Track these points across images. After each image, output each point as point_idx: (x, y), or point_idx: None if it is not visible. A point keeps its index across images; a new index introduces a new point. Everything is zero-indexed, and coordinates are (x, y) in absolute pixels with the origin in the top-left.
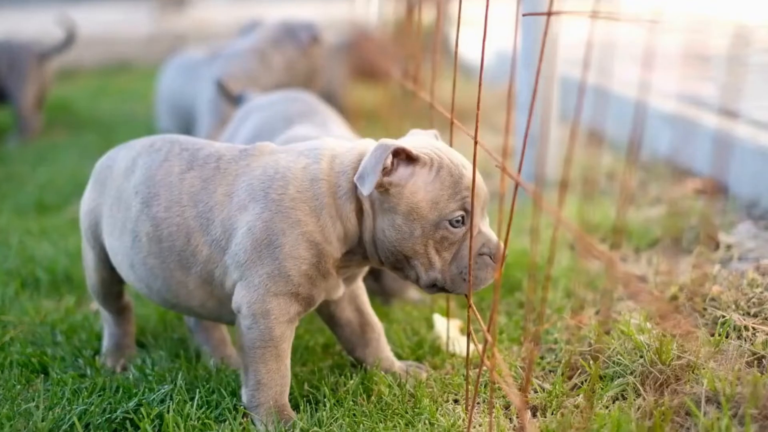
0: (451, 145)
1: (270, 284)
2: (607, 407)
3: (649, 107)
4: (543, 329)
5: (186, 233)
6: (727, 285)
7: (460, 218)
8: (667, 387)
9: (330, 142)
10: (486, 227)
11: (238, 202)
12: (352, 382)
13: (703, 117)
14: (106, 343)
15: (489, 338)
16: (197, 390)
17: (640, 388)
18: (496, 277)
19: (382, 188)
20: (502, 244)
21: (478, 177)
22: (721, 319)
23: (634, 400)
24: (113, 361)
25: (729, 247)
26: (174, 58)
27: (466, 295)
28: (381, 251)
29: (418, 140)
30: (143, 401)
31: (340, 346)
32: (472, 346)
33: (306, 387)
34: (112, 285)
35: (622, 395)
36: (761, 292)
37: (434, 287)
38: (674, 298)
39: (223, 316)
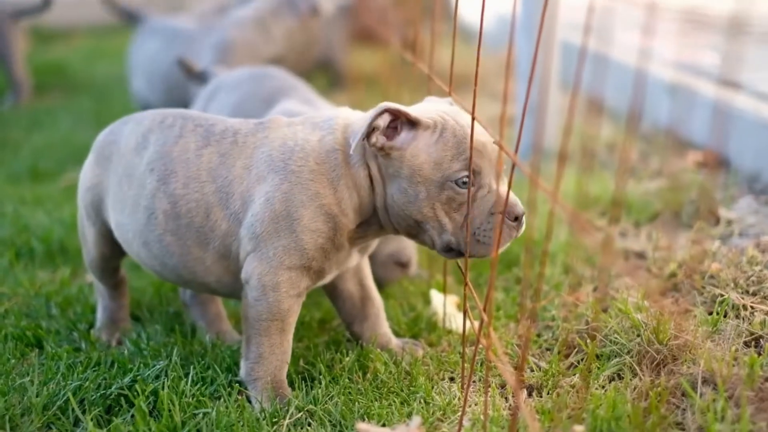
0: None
1: (284, 257)
2: (603, 387)
3: (650, 76)
4: (540, 306)
5: (205, 209)
6: (727, 262)
7: (466, 178)
8: (663, 367)
9: (345, 112)
10: (500, 185)
11: (257, 173)
12: (348, 359)
13: (703, 87)
14: (100, 316)
15: (485, 317)
16: (192, 366)
17: (637, 368)
18: (513, 236)
19: (384, 152)
20: (518, 201)
21: (485, 135)
22: (720, 298)
23: (631, 379)
24: (108, 335)
25: (729, 222)
26: (150, 24)
27: (462, 272)
28: (393, 217)
29: (428, 106)
30: (138, 377)
31: (339, 319)
32: (468, 323)
33: (302, 363)
34: (111, 260)
35: (619, 375)
36: (761, 270)
37: (451, 251)
38: (673, 275)
39: (238, 291)
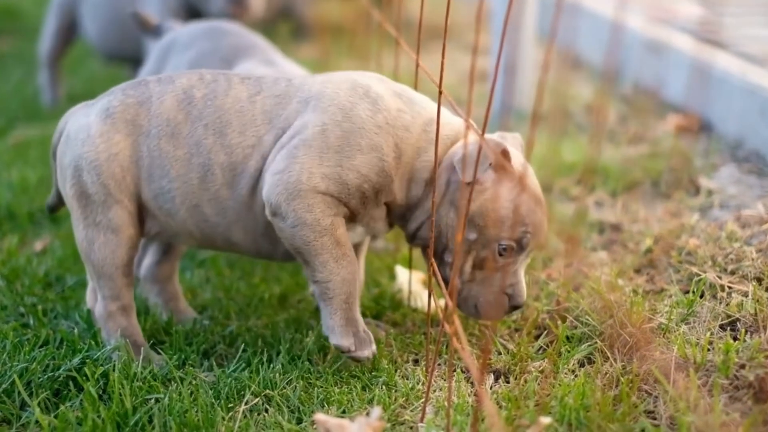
0: (416, 82)
1: (320, 182)
2: (573, 371)
3: (629, 31)
4: None
5: (261, 152)
6: (705, 237)
7: (508, 249)
8: (636, 351)
9: (427, 103)
10: (521, 270)
11: (316, 105)
12: (308, 339)
13: (682, 44)
14: (120, 342)
15: (450, 303)
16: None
17: (608, 352)
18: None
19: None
20: (524, 293)
21: (546, 221)
22: (696, 278)
23: (602, 364)
24: (145, 361)
25: (710, 192)
26: None
27: (426, 251)
28: (425, 228)
29: (509, 149)
30: (88, 359)
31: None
32: (433, 304)
33: (260, 343)
34: (136, 247)
35: (589, 359)
36: (740, 247)
37: (447, 285)
38: (648, 251)
39: (276, 251)
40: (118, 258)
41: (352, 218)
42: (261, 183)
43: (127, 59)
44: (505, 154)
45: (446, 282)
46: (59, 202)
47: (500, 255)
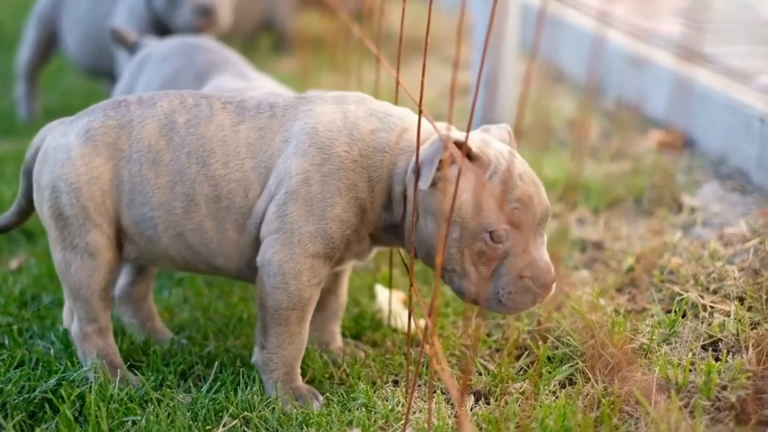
0: (396, 98)
1: (309, 244)
2: (554, 393)
3: (613, 46)
4: None
5: (245, 187)
6: (687, 256)
7: (503, 233)
8: (618, 372)
9: (405, 113)
10: (537, 247)
11: (298, 146)
12: None
13: (664, 59)
14: (98, 363)
15: (429, 324)
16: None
17: (590, 373)
18: (540, 301)
19: (432, 183)
20: (551, 268)
21: (536, 185)
22: (678, 297)
23: (583, 386)
24: (122, 382)
25: (692, 210)
26: None
27: (407, 268)
28: (418, 243)
29: (484, 137)
30: (64, 380)
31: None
32: (413, 324)
33: (238, 364)
34: (114, 271)
35: (571, 380)
36: (722, 266)
37: (464, 296)
38: (630, 269)
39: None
40: (95, 282)
41: (339, 261)
42: (246, 222)
43: (105, 74)
44: (459, 144)
45: (459, 293)
46: (17, 220)
47: (496, 242)
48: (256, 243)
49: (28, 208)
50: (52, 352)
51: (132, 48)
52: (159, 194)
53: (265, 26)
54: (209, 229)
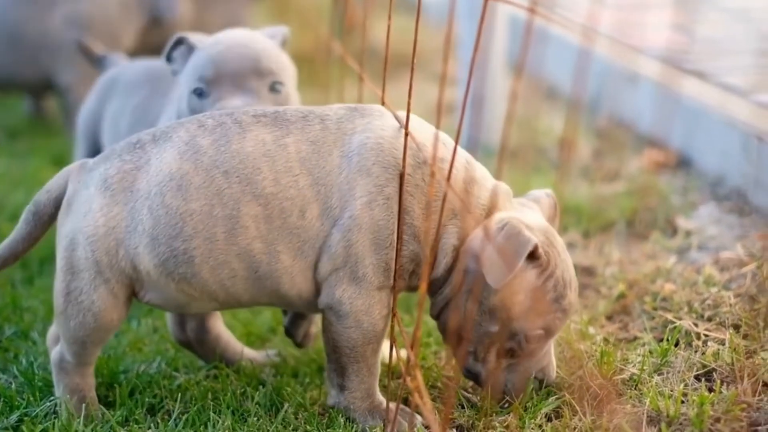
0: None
1: (374, 277)
2: (540, 426)
3: (604, 62)
4: None
5: (301, 206)
6: (681, 282)
7: (539, 338)
8: (607, 404)
9: (466, 156)
10: (552, 348)
11: (361, 162)
12: (258, 393)
13: (661, 76)
14: (66, 398)
15: (412, 356)
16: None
17: (577, 405)
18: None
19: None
20: (554, 376)
21: (574, 297)
22: (671, 325)
23: (571, 418)
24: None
25: (688, 233)
26: None
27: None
28: (444, 312)
29: (532, 217)
30: (26, 416)
31: (289, 316)
32: (395, 356)
33: (209, 397)
34: (114, 329)
35: (557, 413)
36: (717, 292)
37: (469, 374)
38: (622, 296)
39: (309, 308)
40: (92, 338)
41: (404, 288)
42: (303, 246)
43: (24, 87)
44: (534, 251)
45: (472, 375)
46: (3, 265)
47: (529, 344)
48: (311, 272)
49: (22, 253)
50: (13, 386)
51: (98, 63)
52: (193, 222)
53: None
54: (258, 251)
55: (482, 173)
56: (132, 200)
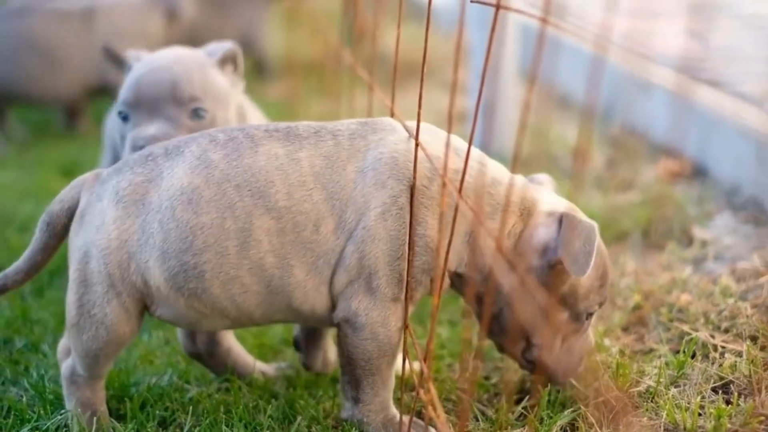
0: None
1: (388, 288)
2: None
3: (617, 70)
4: (488, 344)
5: (315, 221)
6: (698, 293)
7: (593, 313)
8: (623, 417)
9: (486, 159)
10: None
11: (375, 177)
12: (271, 407)
13: (676, 84)
14: (77, 412)
15: (425, 369)
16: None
17: (593, 418)
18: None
19: (558, 263)
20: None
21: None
22: (687, 337)
23: (587, 431)
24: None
25: (704, 243)
26: None
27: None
28: (499, 316)
29: (563, 201)
30: (37, 429)
31: (302, 330)
32: (408, 368)
33: (221, 410)
34: (125, 343)
35: (573, 425)
36: (734, 302)
37: (532, 365)
38: (638, 307)
39: (321, 323)
40: (104, 351)
41: (419, 299)
42: (317, 262)
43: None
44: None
45: (531, 366)
46: (25, 278)
47: (585, 320)
48: (325, 288)
49: (42, 264)
50: (24, 399)
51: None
52: (203, 235)
53: (242, 48)
54: (270, 265)
55: (498, 170)
56: (143, 213)
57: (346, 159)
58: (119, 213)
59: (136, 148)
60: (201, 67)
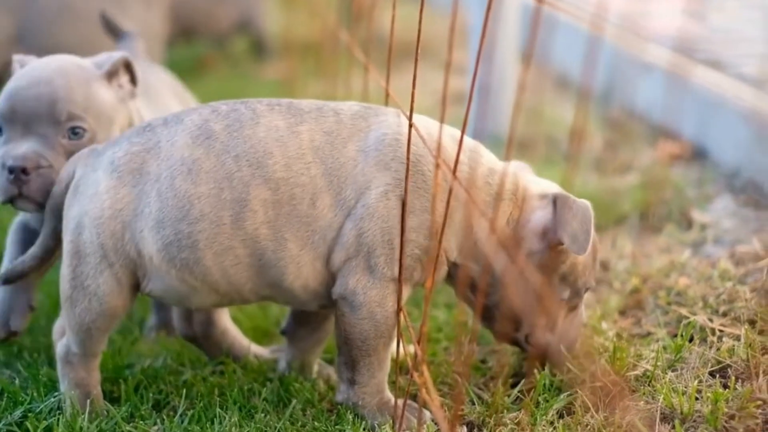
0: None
1: (386, 267)
2: (552, 423)
3: (618, 50)
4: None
5: (312, 194)
6: (696, 276)
7: (589, 288)
8: (620, 401)
9: (483, 150)
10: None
11: (378, 158)
12: (265, 389)
13: (677, 66)
14: (73, 395)
15: (419, 352)
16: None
17: (589, 402)
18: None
19: (557, 243)
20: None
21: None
22: (685, 320)
23: (583, 415)
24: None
25: (703, 226)
26: None
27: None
28: (496, 300)
29: (551, 183)
30: (30, 412)
31: (288, 321)
32: (402, 351)
33: (216, 393)
34: (118, 316)
35: (569, 409)
36: (733, 286)
37: (534, 347)
38: (636, 290)
39: (312, 302)
40: (96, 326)
41: (418, 282)
42: (313, 237)
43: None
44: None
45: (516, 333)
46: (39, 264)
47: (581, 297)
48: (316, 261)
49: (56, 248)
50: (17, 382)
51: (119, 38)
52: (200, 205)
53: (240, 28)
54: (264, 237)
55: (490, 159)
56: (141, 183)
57: (347, 137)
58: (114, 182)
59: (4, 167)
60: (85, 81)
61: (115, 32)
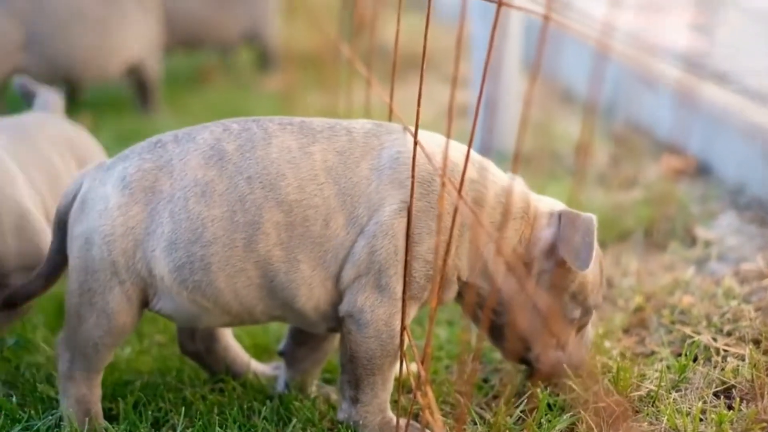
0: (390, 115)
1: (397, 286)
2: None
3: (623, 65)
4: (486, 345)
5: (325, 215)
6: (700, 295)
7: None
8: (623, 421)
9: (497, 171)
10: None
11: (393, 176)
12: (265, 408)
13: (681, 81)
14: (73, 411)
15: (422, 372)
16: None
17: (592, 423)
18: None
19: (564, 260)
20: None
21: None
22: (689, 340)
23: None
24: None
25: (707, 243)
26: None
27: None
28: (506, 320)
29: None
30: (28, 429)
31: (286, 342)
32: (405, 370)
33: (215, 413)
34: (126, 333)
35: (572, 430)
36: (737, 305)
37: (525, 362)
38: (640, 309)
39: (322, 324)
40: (105, 340)
41: (426, 302)
42: (325, 256)
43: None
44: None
45: (526, 353)
46: (45, 283)
47: (590, 315)
48: (330, 283)
49: (63, 264)
50: (15, 399)
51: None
52: (213, 228)
53: (247, 39)
54: (277, 259)
55: (501, 177)
56: (153, 201)
57: (360, 156)
58: (125, 199)
59: None
60: None
61: (29, 97)
